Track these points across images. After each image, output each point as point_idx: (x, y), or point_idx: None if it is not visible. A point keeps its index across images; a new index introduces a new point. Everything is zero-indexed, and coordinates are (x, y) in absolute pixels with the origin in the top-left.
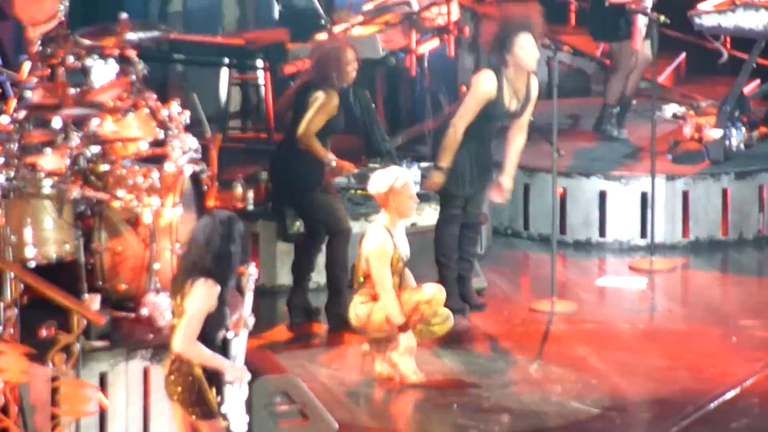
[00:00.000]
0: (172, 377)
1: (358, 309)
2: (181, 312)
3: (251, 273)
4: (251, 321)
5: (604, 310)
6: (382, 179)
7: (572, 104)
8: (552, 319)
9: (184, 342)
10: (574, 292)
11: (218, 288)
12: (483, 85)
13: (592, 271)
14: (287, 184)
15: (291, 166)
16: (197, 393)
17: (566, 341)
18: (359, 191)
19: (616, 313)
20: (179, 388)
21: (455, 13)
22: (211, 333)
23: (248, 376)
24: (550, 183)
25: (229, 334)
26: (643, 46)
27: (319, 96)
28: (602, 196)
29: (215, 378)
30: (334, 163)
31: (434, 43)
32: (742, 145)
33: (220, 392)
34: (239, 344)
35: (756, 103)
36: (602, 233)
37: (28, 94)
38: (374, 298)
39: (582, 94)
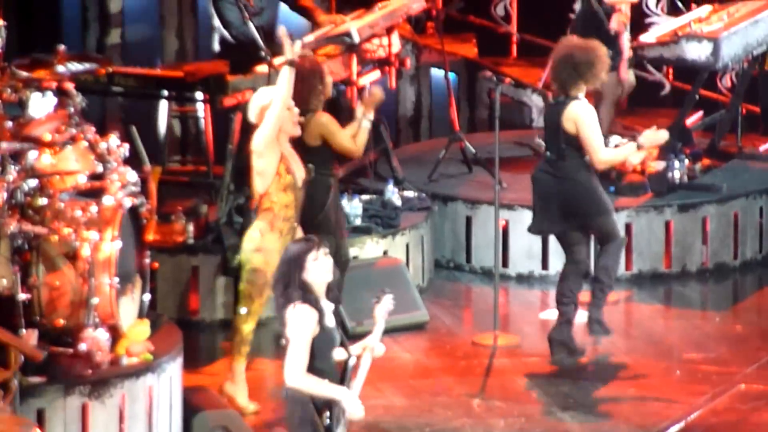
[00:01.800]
0: None
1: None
2: (287, 344)
3: (385, 302)
4: (380, 349)
5: (546, 343)
6: None
7: (516, 135)
8: (495, 353)
9: (295, 374)
10: (517, 325)
11: (314, 312)
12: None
13: (534, 304)
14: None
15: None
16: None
17: (509, 375)
18: None
19: None
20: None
21: (396, 45)
22: (320, 356)
23: (361, 409)
24: (492, 215)
25: (351, 360)
26: (628, 75)
27: (324, 119)
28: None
29: (327, 404)
30: (371, 116)
31: (375, 74)
32: (684, 177)
33: (331, 418)
34: (361, 370)
35: (699, 135)
36: (545, 266)
37: None
38: None
39: (524, 126)
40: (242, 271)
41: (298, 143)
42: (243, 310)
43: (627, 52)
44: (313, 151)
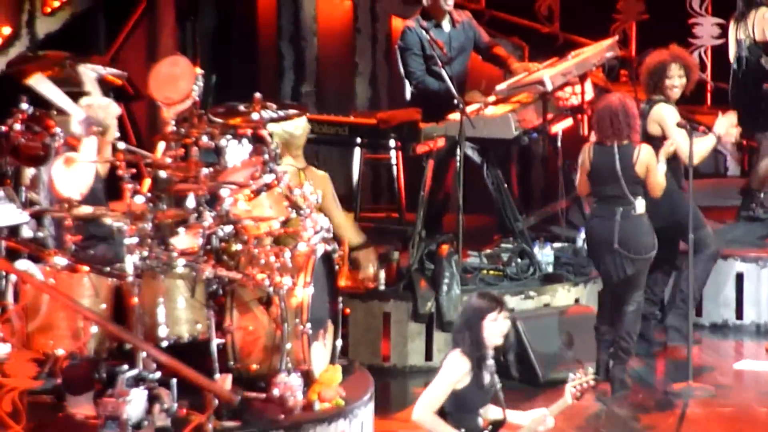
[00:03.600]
0: None
1: None
2: None
3: (580, 379)
4: (549, 422)
5: (743, 393)
6: None
7: (708, 183)
8: (688, 402)
9: (423, 410)
10: (711, 376)
11: (468, 363)
12: None
13: (729, 354)
14: None
15: None
16: None
17: (703, 425)
18: (491, 271)
19: (754, 396)
20: None
21: (589, 93)
22: (467, 409)
23: None
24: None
25: (510, 416)
26: None
27: (648, 151)
28: (739, 277)
29: None
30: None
31: (567, 122)
32: None
33: None
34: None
35: None
36: (739, 315)
37: (163, 174)
38: None
39: (718, 174)
40: None
41: None
42: None
43: None
44: None
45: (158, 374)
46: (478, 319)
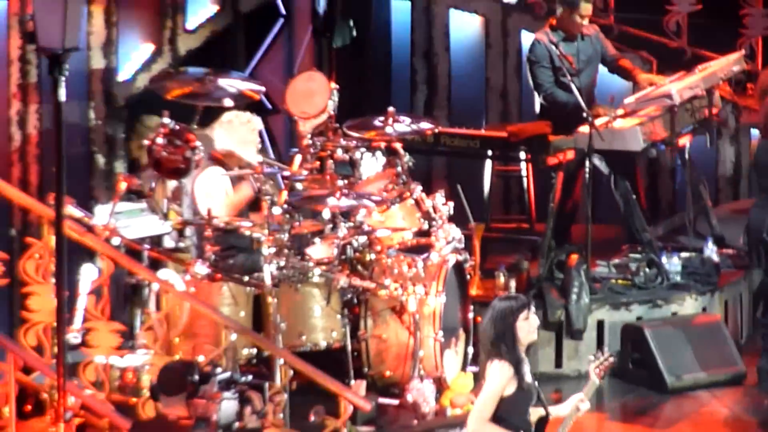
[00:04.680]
0: None
1: None
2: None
3: (601, 361)
4: (585, 406)
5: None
6: None
7: None
8: None
9: (477, 421)
10: None
11: (510, 369)
12: None
13: None
14: None
15: None
16: None
17: None
18: (619, 280)
19: None
20: None
21: (716, 106)
22: (516, 412)
23: None
24: None
25: (559, 410)
26: None
27: None
28: None
29: None
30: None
31: (695, 135)
32: None
33: None
34: (564, 424)
35: None
36: None
37: (299, 186)
38: None
39: None
40: None
41: None
42: None
43: None
44: None
45: (249, 377)
46: (512, 321)
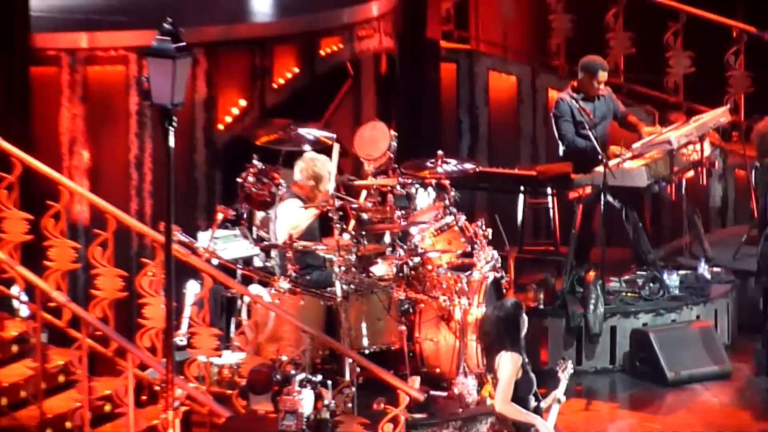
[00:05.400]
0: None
1: None
2: (496, 382)
3: (567, 368)
4: (563, 399)
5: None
6: None
7: None
8: None
9: (502, 403)
10: None
11: (519, 357)
12: None
13: None
14: None
15: None
16: None
17: None
18: (629, 293)
19: None
20: None
21: (707, 150)
22: (522, 396)
23: None
24: None
25: (543, 403)
26: None
27: None
28: None
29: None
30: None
31: (690, 173)
32: None
33: None
34: (550, 415)
35: None
36: None
37: (365, 216)
38: None
39: None
40: None
41: None
42: None
43: None
44: None
45: (320, 377)
46: (518, 317)
